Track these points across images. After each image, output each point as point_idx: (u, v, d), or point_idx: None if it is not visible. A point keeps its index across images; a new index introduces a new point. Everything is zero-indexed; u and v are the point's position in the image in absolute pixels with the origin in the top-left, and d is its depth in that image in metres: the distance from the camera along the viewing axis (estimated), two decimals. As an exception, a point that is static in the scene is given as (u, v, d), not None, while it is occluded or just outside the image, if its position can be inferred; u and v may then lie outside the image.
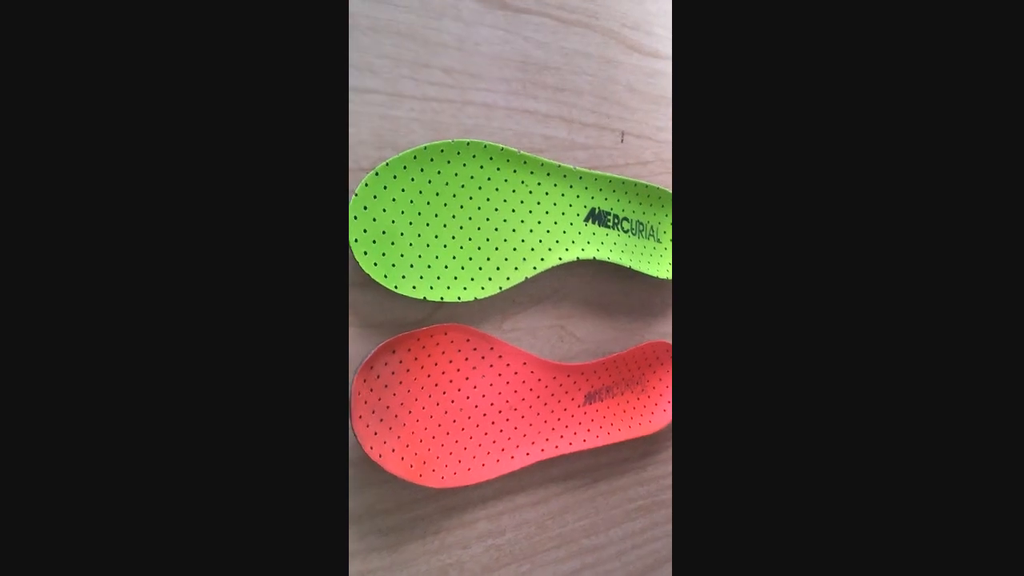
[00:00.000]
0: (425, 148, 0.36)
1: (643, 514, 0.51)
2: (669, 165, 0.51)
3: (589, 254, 0.43)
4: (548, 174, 0.41)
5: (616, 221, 0.46)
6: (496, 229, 0.39)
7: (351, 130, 0.35)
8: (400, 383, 0.36)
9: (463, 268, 0.38)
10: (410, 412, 0.37)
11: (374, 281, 0.35)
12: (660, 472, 0.52)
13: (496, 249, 0.39)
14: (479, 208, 0.39)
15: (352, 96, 0.35)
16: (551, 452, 0.43)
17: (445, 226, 0.37)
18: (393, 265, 0.35)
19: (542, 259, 0.41)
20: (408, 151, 0.36)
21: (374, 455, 0.34)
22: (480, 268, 0.38)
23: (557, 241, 0.42)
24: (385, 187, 0.35)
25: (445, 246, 0.37)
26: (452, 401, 0.39)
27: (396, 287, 0.35)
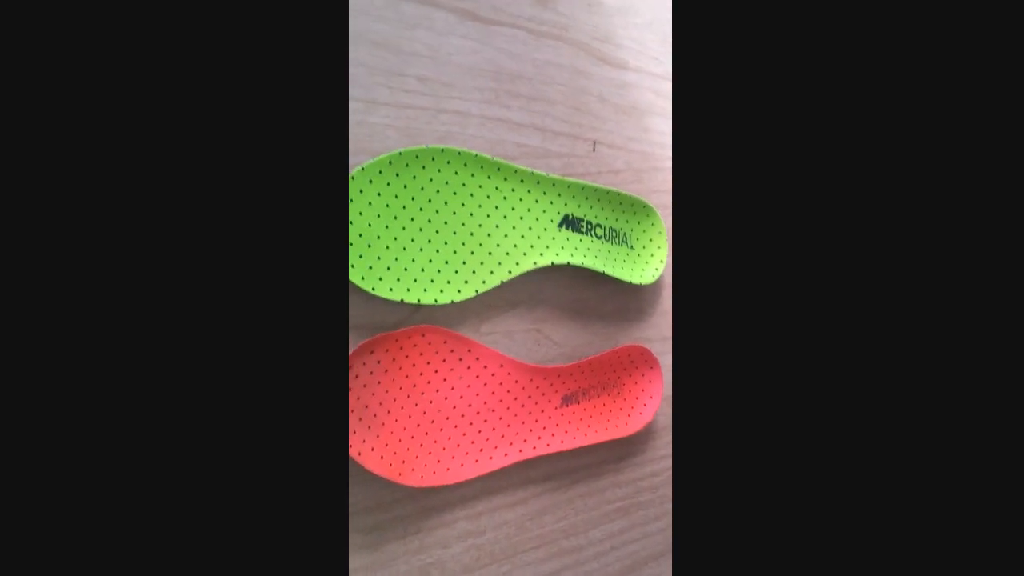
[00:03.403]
0: (400, 154, 0.37)
1: (621, 515, 0.52)
2: (640, 174, 0.52)
3: (563, 259, 0.44)
4: (521, 180, 0.43)
5: (589, 227, 0.47)
6: (471, 233, 0.40)
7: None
8: (379, 383, 0.37)
9: (439, 271, 0.39)
10: (389, 412, 0.37)
11: (352, 283, 0.36)
12: (637, 475, 0.53)
13: (472, 253, 0.40)
14: (454, 213, 0.40)
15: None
16: (529, 453, 0.43)
17: (421, 230, 0.38)
18: (370, 267, 0.36)
19: (517, 263, 0.42)
20: (383, 156, 0.37)
21: (354, 453, 0.35)
22: (456, 271, 0.39)
23: (531, 246, 0.43)
24: (360, 191, 0.36)
25: (421, 249, 0.38)
26: (431, 401, 0.40)
27: (373, 289, 0.36)
